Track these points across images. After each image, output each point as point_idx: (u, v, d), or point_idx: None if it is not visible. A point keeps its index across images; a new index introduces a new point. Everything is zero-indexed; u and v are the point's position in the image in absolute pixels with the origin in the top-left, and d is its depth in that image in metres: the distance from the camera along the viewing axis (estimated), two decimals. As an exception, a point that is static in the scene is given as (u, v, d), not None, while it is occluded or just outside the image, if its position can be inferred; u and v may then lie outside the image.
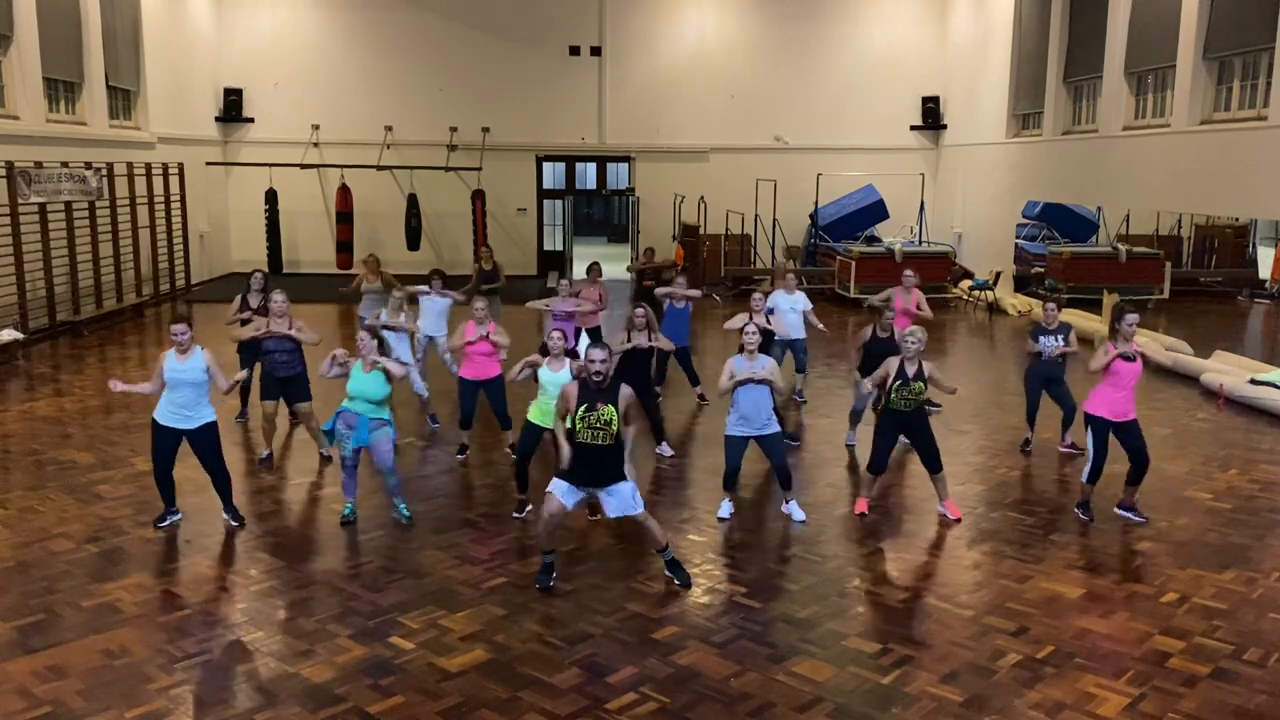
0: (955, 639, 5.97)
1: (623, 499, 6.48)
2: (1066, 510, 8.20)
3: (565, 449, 6.44)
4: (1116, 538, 7.61)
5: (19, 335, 14.08)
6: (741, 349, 7.72)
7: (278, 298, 9.04)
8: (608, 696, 5.29)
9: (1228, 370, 12.56)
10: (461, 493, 8.67)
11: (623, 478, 6.49)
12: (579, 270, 24.01)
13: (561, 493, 6.46)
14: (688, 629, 6.10)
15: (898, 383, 7.69)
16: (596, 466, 6.41)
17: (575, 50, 23.57)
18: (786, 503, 7.99)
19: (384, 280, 12.21)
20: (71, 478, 8.84)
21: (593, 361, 6.38)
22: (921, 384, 7.71)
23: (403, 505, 7.87)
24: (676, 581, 6.65)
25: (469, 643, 5.88)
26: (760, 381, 7.57)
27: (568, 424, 6.40)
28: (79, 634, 5.94)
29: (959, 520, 7.90)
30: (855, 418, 10.05)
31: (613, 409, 6.32)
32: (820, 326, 11.56)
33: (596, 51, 23.61)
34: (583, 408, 6.31)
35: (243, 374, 9.11)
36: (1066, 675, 5.54)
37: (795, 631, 6.06)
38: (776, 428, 7.82)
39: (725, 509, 7.98)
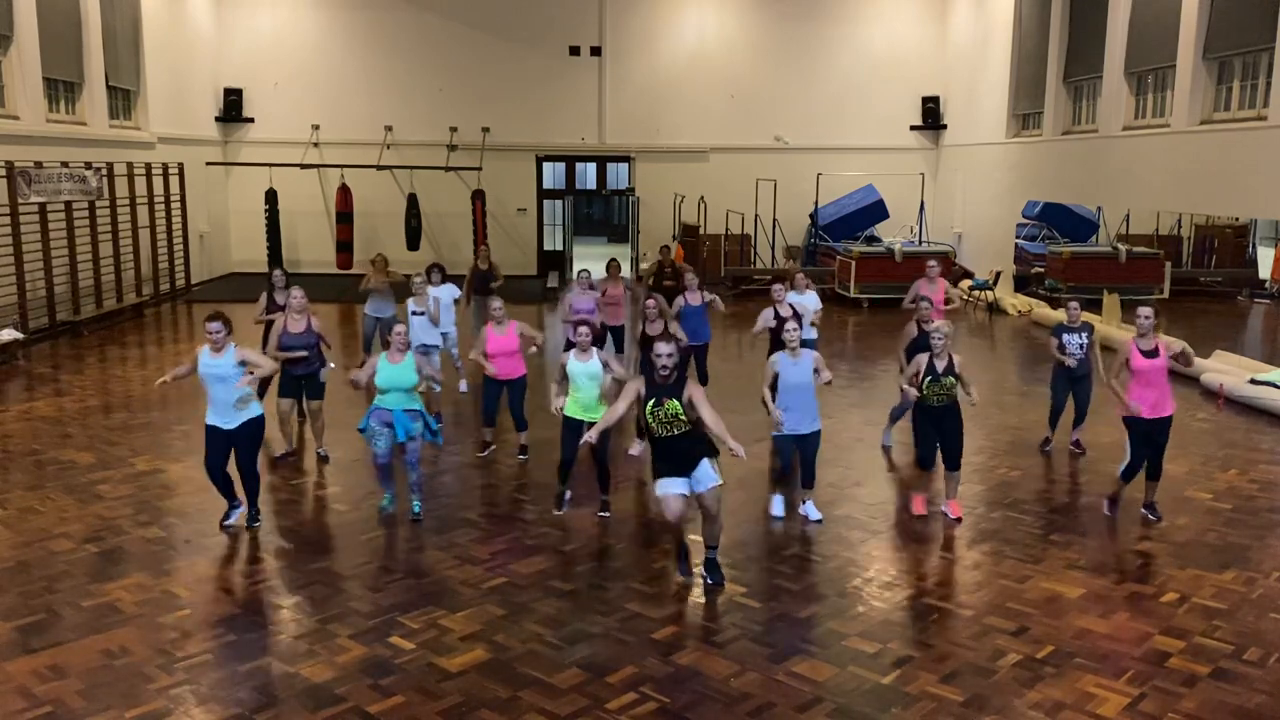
0: (955, 639, 5.97)
1: (704, 474, 6.43)
2: (1067, 510, 8.20)
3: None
4: (1117, 538, 7.61)
5: (19, 335, 14.08)
6: (783, 345, 7.68)
7: (296, 293, 9.17)
8: (608, 696, 5.29)
9: (1228, 370, 12.57)
10: (462, 493, 8.66)
11: (706, 455, 6.44)
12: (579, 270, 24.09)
13: (677, 487, 6.41)
14: (688, 629, 6.10)
15: (928, 379, 7.67)
16: (683, 454, 6.39)
17: (575, 50, 23.58)
18: (804, 502, 7.98)
19: (391, 280, 12.21)
20: (71, 478, 8.84)
21: (659, 355, 6.30)
22: (952, 379, 7.68)
23: (417, 502, 7.91)
24: (710, 580, 6.66)
25: (469, 643, 5.88)
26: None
27: (643, 421, 6.43)
28: (79, 634, 5.94)
29: (959, 520, 7.90)
30: (894, 417, 9.90)
31: (677, 403, 6.28)
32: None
33: (596, 51, 23.61)
34: (650, 403, 6.32)
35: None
36: (1066, 675, 5.54)
37: (795, 631, 6.06)
38: (818, 426, 7.78)
39: (778, 505, 8.01)
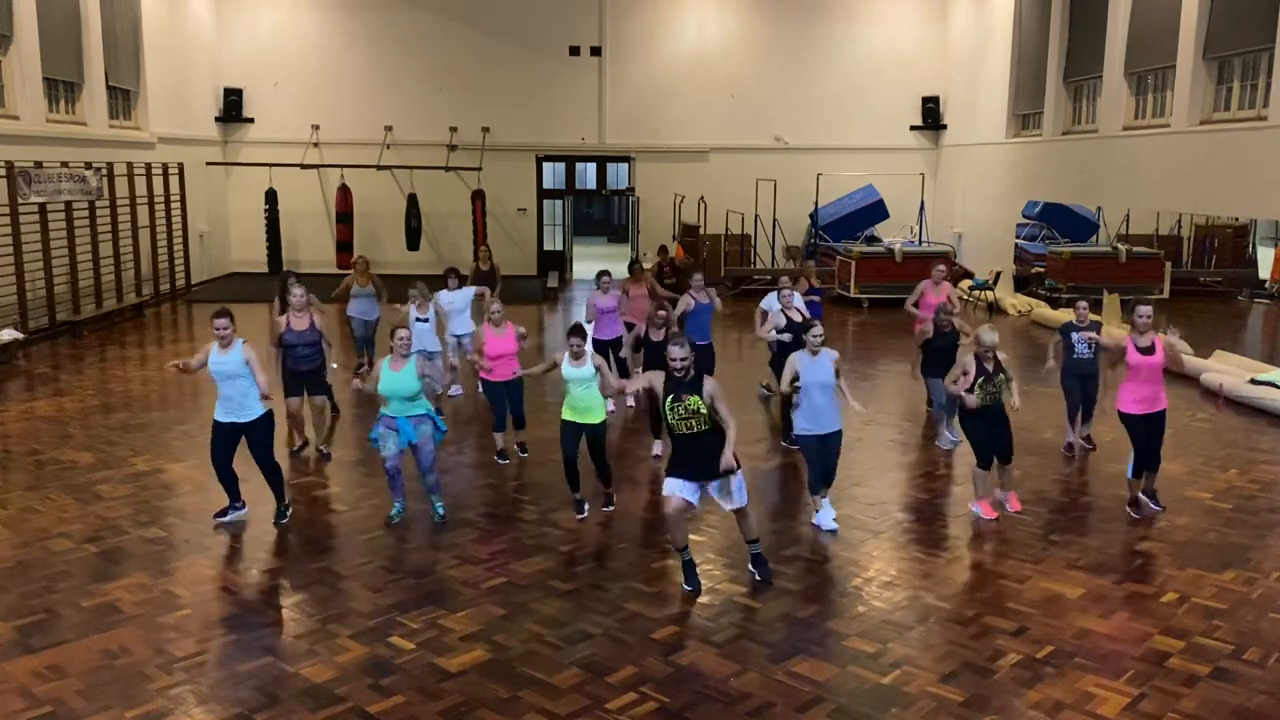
0: (955, 639, 5.97)
1: (736, 489, 6.52)
2: (1067, 510, 8.20)
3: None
4: (1117, 538, 7.61)
5: (19, 335, 14.08)
6: (786, 353, 7.62)
7: (297, 291, 9.22)
8: (608, 696, 5.29)
9: (1228, 370, 12.56)
10: (462, 493, 8.65)
11: (729, 469, 6.47)
12: (579, 270, 24.17)
13: (680, 489, 6.45)
14: (688, 629, 6.10)
15: (980, 379, 7.66)
16: (701, 455, 6.43)
17: (575, 50, 23.58)
18: (818, 511, 7.75)
19: (374, 284, 12.14)
20: (71, 478, 8.84)
21: (673, 360, 6.43)
22: (1004, 376, 7.72)
23: (439, 504, 7.88)
24: (758, 576, 6.73)
25: (469, 643, 5.88)
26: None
27: (665, 417, 6.50)
28: (79, 634, 5.94)
29: (1019, 512, 7.93)
30: (949, 413, 9.56)
31: (698, 398, 6.38)
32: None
33: (596, 51, 23.61)
34: (669, 399, 6.42)
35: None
36: (1066, 675, 5.54)
37: (795, 631, 6.06)
38: (840, 425, 7.64)
39: (827, 518, 7.71)
